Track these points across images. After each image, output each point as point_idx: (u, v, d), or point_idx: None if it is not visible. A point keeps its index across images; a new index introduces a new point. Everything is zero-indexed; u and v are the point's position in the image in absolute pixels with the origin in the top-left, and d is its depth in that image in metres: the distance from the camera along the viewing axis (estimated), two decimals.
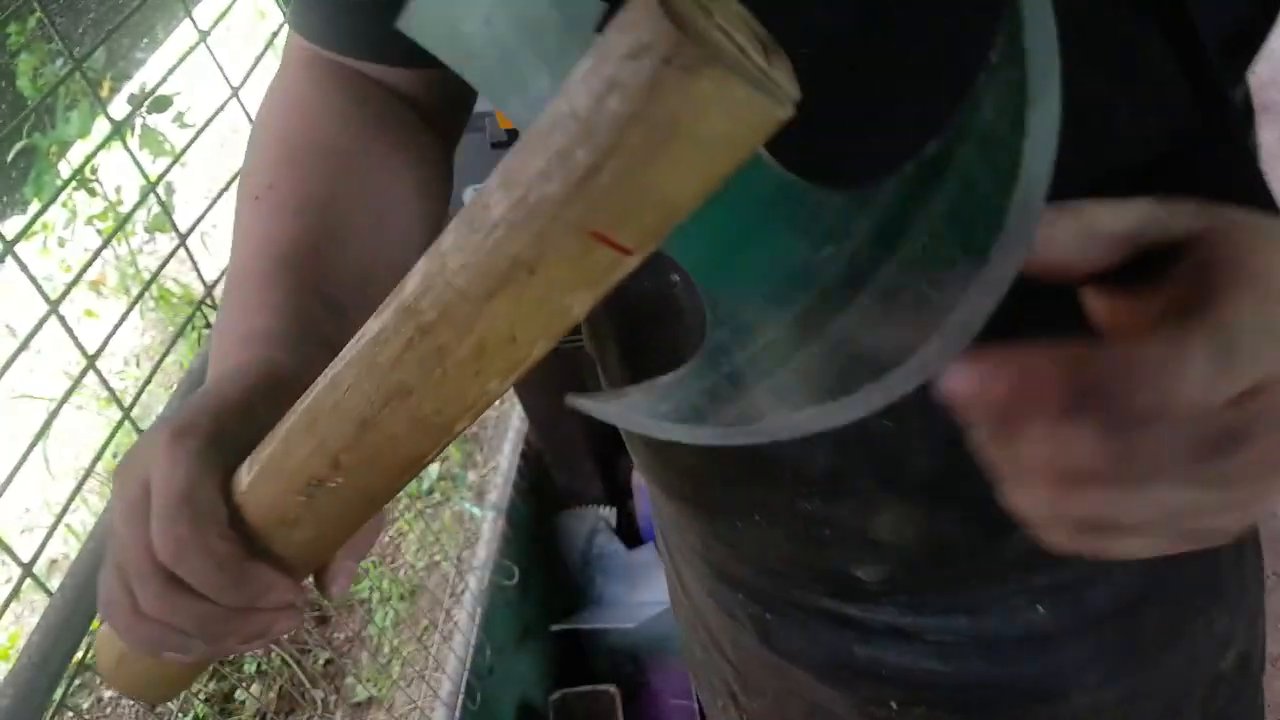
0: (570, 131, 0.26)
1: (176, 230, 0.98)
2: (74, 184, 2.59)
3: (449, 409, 0.34)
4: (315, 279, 0.48)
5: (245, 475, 0.38)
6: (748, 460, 0.56)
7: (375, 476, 0.36)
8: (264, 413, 0.39)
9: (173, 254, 0.99)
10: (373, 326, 0.33)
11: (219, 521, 0.37)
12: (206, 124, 1.01)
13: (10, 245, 0.76)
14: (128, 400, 0.90)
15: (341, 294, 0.48)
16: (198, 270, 1.04)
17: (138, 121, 2.53)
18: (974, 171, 0.29)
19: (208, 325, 1.02)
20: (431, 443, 0.35)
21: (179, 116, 2.59)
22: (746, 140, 0.27)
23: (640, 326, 0.57)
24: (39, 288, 0.80)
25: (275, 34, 1.30)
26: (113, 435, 0.96)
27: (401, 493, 1.85)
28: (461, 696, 1.50)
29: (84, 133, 2.60)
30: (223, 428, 0.39)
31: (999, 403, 0.27)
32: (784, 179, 0.32)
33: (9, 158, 2.65)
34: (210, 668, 1.83)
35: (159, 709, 1.85)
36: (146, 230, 2.88)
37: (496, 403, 2.29)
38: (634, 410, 0.36)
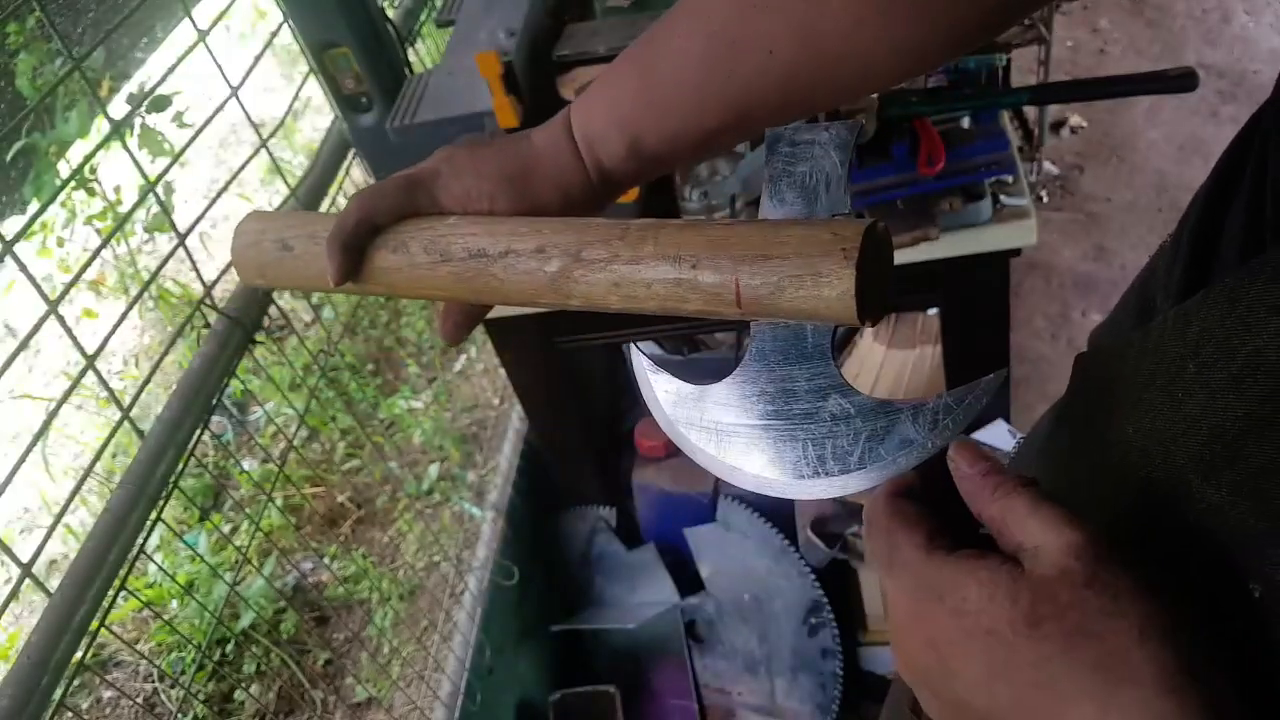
0: (786, 234, 0.45)
1: (176, 230, 0.98)
2: (73, 184, 2.59)
3: (581, 286, 0.50)
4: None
5: (452, 218, 0.55)
6: None
7: (511, 283, 0.52)
8: (497, 189, 0.55)
9: (172, 254, 0.99)
10: (600, 222, 0.51)
11: (365, 219, 0.55)
12: (206, 123, 1.01)
13: (9, 245, 0.76)
14: (127, 400, 0.90)
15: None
16: (197, 270, 1.04)
17: (137, 121, 2.53)
18: None
19: (206, 325, 1.02)
20: (553, 296, 0.51)
21: (178, 116, 2.59)
22: (835, 314, 0.44)
23: None
24: (38, 287, 0.79)
25: (274, 33, 1.30)
26: (112, 435, 0.95)
27: (400, 492, 1.84)
28: (461, 697, 1.50)
29: (83, 132, 2.60)
30: (454, 187, 0.56)
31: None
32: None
33: (8, 157, 2.64)
34: (212, 664, 1.83)
35: (158, 709, 1.85)
36: (146, 230, 2.88)
37: (496, 402, 2.30)
38: None
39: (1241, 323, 0.37)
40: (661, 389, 0.52)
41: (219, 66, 1.00)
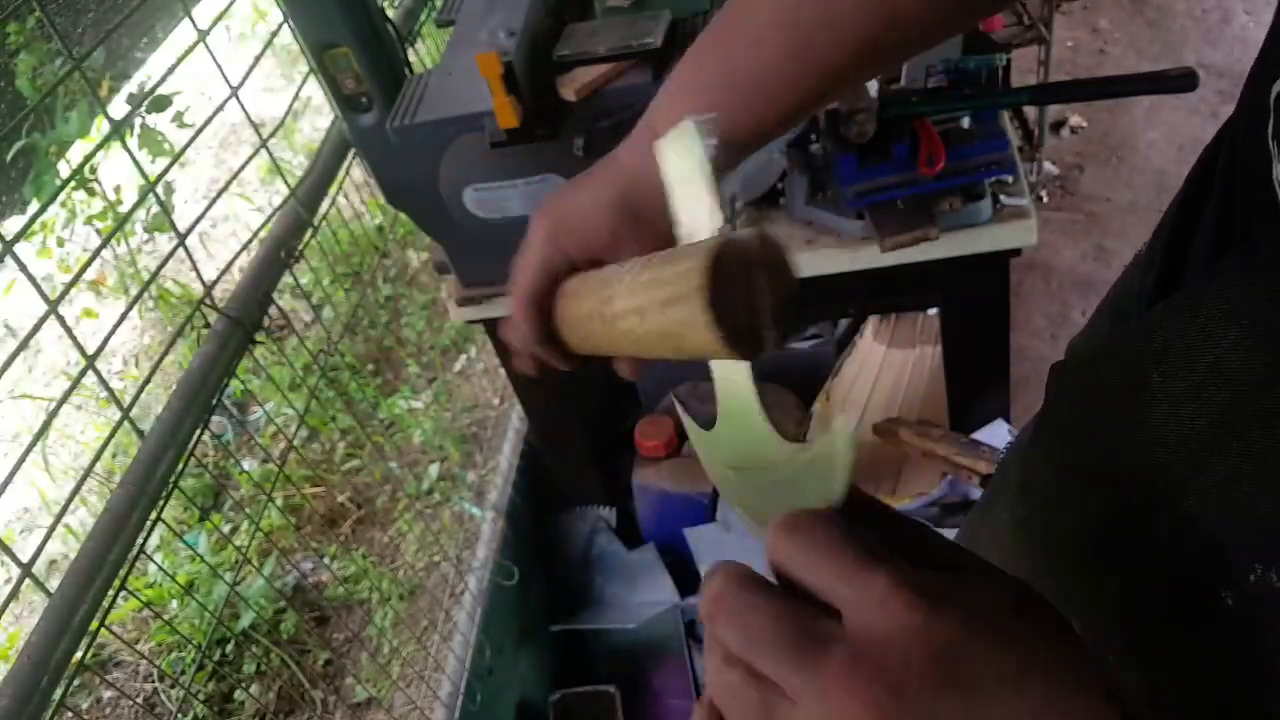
0: (668, 265, 0.42)
1: (176, 230, 0.98)
2: (73, 184, 2.59)
3: (626, 342, 0.48)
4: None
5: (576, 280, 0.55)
6: None
7: (608, 334, 0.51)
8: (600, 221, 0.56)
9: (172, 254, 0.99)
10: (619, 269, 0.49)
11: (535, 304, 0.56)
12: (206, 123, 1.01)
13: (9, 245, 0.76)
14: (127, 400, 0.90)
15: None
16: (197, 270, 1.04)
17: (137, 121, 2.53)
18: None
19: (207, 325, 1.02)
20: (622, 345, 0.50)
21: (178, 116, 2.59)
22: (708, 353, 0.40)
23: None
24: (38, 287, 0.79)
25: (274, 33, 1.30)
26: (112, 435, 0.96)
27: (400, 492, 1.84)
28: (461, 697, 1.50)
29: (83, 132, 2.60)
30: (573, 238, 0.57)
31: None
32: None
33: (8, 157, 2.64)
34: (212, 664, 1.84)
35: (158, 709, 1.85)
36: (146, 230, 2.88)
37: (496, 402, 2.29)
38: None
39: (1202, 332, 0.37)
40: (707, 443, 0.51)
41: (219, 66, 1.00)
